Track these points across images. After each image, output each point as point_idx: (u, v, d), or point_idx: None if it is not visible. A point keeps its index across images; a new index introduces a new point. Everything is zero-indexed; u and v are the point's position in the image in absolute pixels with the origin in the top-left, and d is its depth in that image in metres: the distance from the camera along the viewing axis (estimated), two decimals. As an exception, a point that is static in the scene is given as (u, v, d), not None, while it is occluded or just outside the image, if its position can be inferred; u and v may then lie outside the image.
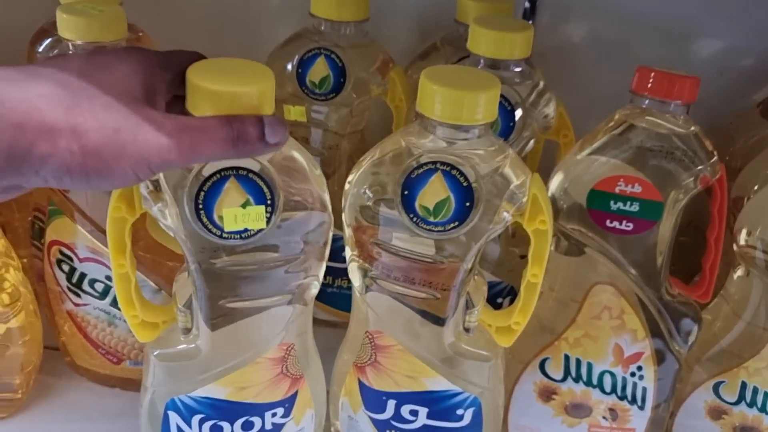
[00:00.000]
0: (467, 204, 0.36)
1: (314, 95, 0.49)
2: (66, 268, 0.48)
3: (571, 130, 0.49)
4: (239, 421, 0.42)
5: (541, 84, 0.47)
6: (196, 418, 0.41)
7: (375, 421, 0.45)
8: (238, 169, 0.34)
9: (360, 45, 0.49)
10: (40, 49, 0.49)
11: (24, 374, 0.49)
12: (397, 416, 0.44)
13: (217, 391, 0.40)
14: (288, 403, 0.43)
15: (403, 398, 0.43)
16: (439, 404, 0.43)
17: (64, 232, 0.47)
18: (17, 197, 0.54)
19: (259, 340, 0.40)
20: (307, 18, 0.50)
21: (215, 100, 0.32)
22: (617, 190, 0.41)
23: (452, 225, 0.36)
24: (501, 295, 0.52)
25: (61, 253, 0.48)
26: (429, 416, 0.43)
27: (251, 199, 0.34)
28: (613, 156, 0.42)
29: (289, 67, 0.49)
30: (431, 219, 0.36)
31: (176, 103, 0.33)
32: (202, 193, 0.34)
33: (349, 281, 0.57)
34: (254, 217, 0.35)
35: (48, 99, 0.26)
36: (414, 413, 0.43)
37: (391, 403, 0.43)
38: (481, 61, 0.45)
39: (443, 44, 0.53)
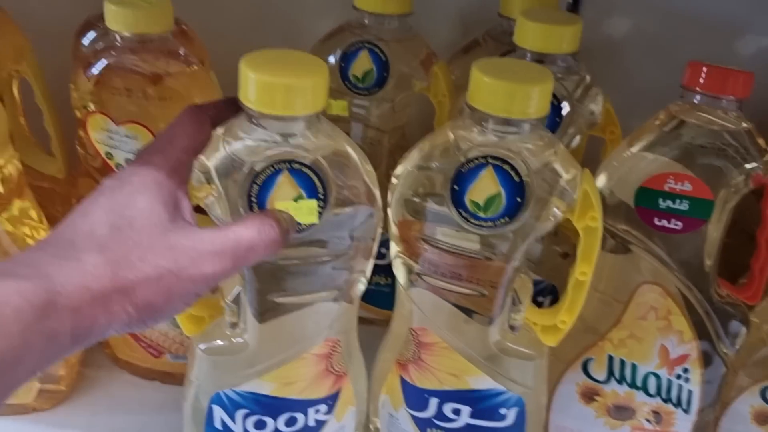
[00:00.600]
0: (518, 199, 0.35)
1: (356, 89, 0.49)
2: (109, 260, 0.48)
3: (617, 127, 0.48)
4: (283, 417, 0.42)
5: (588, 79, 0.46)
6: (240, 413, 0.41)
7: (416, 420, 0.44)
8: (291, 162, 0.34)
9: (403, 39, 0.49)
10: (85, 41, 0.49)
11: (68, 366, 0.50)
12: (440, 415, 0.43)
13: (263, 386, 0.40)
14: (331, 400, 0.43)
15: (445, 396, 0.42)
16: (482, 403, 0.42)
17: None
18: (61, 192, 0.55)
19: (306, 336, 0.39)
20: (348, 11, 0.50)
21: (270, 91, 0.32)
22: (666, 187, 0.41)
23: (502, 221, 0.36)
24: (542, 294, 0.51)
25: (105, 245, 0.48)
26: (472, 415, 0.43)
27: (303, 193, 0.34)
28: (662, 153, 0.41)
29: (332, 60, 0.49)
30: (481, 214, 0.36)
31: None
32: (255, 187, 0.34)
33: (387, 278, 0.58)
34: (306, 212, 0.35)
35: (92, 273, 0.27)
36: (457, 412, 0.43)
37: (434, 402, 0.43)
38: (528, 55, 0.44)
39: (485, 39, 0.52)
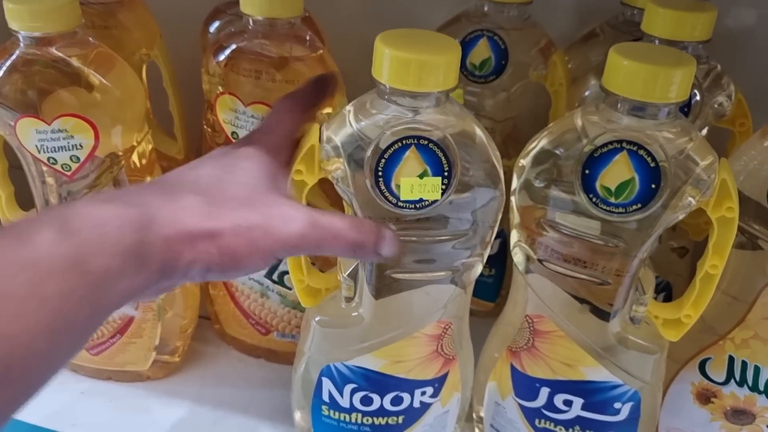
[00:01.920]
0: (652, 186, 0.34)
1: (473, 77, 0.49)
2: (226, 237, 0.50)
3: (748, 119, 0.46)
4: (389, 396, 0.42)
5: (719, 68, 0.44)
6: (348, 387, 0.42)
7: (525, 409, 0.44)
8: (419, 138, 0.34)
9: (523, 28, 0.48)
10: (213, 28, 0.52)
11: (183, 338, 0.52)
12: (550, 405, 0.43)
13: (373, 361, 0.41)
14: (438, 383, 0.43)
15: (558, 386, 0.42)
16: (595, 395, 0.41)
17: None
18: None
19: (419, 315, 0.40)
20: (461, 2, 0.50)
21: (404, 67, 0.33)
22: (803, 181, 0.39)
23: (634, 207, 0.35)
24: (656, 291, 0.49)
25: (223, 222, 0.50)
26: (584, 407, 0.42)
27: (429, 170, 0.35)
28: (798, 147, 0.40)
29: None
30: (612, 200, 0.35)
31: None
32: (383, 161, 0.34)
33: (491, 269, 0.57)
34: (430, 188, 0.35)
35: (188, 210, 0.29)
36: (568, 403, 0.42)
37: (545, 391, 0.42)
38: (656, 42, 0.43)
39: (604, 29, 0.51)
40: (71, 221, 0.26)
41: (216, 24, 0.51)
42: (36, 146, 0.41)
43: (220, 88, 0.45)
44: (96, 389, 0.52)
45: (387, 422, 0.43)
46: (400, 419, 0.43)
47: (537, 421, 0.43)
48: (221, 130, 0.46)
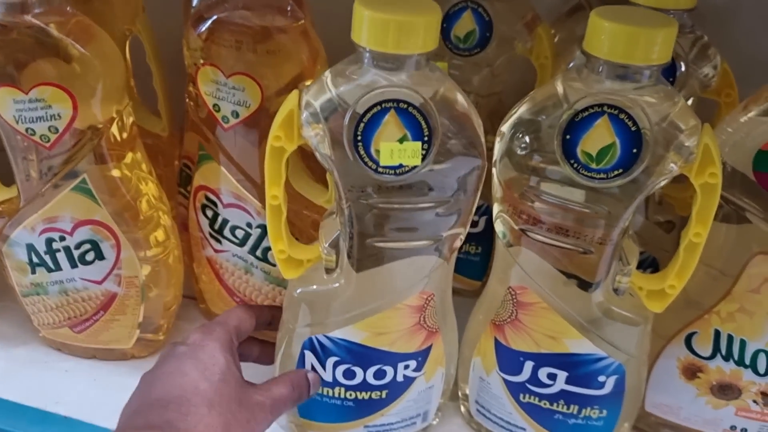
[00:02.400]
0: (634, 151, 0.34)
1: (458, 51, 0.48)
2: (210, 213, 0.50)
3: (734, 90, 0.46)
4: (372, 369, 0.42)
5: (705, 38, 0.44)
6: (330, 360, 0.41)
7: (509, 384, 0.43)
8: (398, 102, 0.34)
9: (507, 0, 0.48)
10: (195, 2, 0.51)
11: (167, 316, 0.51)
12: (534, 379, 0.42)
13: (355, 333, 0.40)
14: (421, 357, 0.42)
15: (541, 360, 0.41)
16: (580, 369, 0.41)
17: (211, 177, 0.48)
18: (163, 150, 0.57)
19: (401, 286, 0.39)
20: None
21: (382, 28, 0.33)
22: (789, 152, 0.38)
23: (615, 173, 0.35)
24: (643, 266, 0.49)
25: (207, 198, 0.49)
26: (568, 381, 0.41)
27: (409, 135, 0.34)
28: (785, 117, 0.39)
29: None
30: (593, 166, 0.35)
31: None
32: (362, 125, 0.34)
33: (477, 247, 0.57)
34: (410, 153, 0.35)
35: (209, 425, 0.36)
36: (552, 377, 0.42)
37: (529, 365, 0.42)
38: (643, 9, 0.43)
39: (590, 2, 0.51)
40: None
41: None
42: (14, 116, 0.41)
43: (201, 60, 0.44)
44: (80, 367, 0.52)
45: (371, 396, 0.43)
46: (384, 394, 0.43)
47: (521, 395, 0.43)
48: (203, 103, 0.46)
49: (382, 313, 0.40)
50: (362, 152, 0.34)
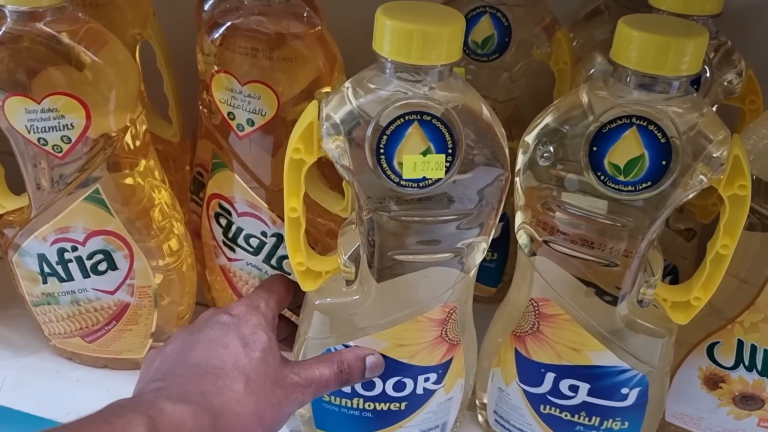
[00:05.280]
0: (663, 163, 0.33)
1: (476, 56, 0.48)
2: (223, 222, 0.49)
3: (759, 97, 0.45)
4: (392, 381, 0.41)
5: (729, 44, 0.43)
6: None
7: (529, 395, 0.43)
8: (422, 114, 0.33)
9: (526, 4, 0.47)
10: (207, 6, 0.50)
11: (179, 325, 0.51)
12: (555, 391, 0.42)
13: (375, 343, 0.40)
14: (442, 370, 0.42)
15: (563, 372, 0.41)
16: (602, 380, 0.40)
17: (225, 185, 0.48)
18: (174, 155, 0.56)
19: (423, 298, 0.39)
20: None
21: (406, 39, 0.32)
22: (815, 161, 0.38)
23: (644, 185, 0.34)
24: (662, 274, 0.49)
25: (220, 206, 0.48)
26: (590, 393, 0.41)
27: (432, 147, 0.33)
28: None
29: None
30: (621, 178, 0.34)
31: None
32: (384, 138, 0.33)
33: (493, 254, 0.56)
34: (433, 166, 0.34)
35: (241, 402, 0.35)
36: (574, 389, 0.41)
37: (550, 377, 0.41)
38: (671, 17, 0.42)
39: (608, 6, 0.50)
40: (158, 420, 0.32)
41: (211, 1, 0.50)
42: (26, 126, 0.40)
43: (215, 67, 0.43)
44: (91, 377, 0.51)
45: (389, 408, 0.42)
46: (403, 405, 0.42)
47: (542, 407, 0.43)
48: (217, 110, 0.45)
49: (403, 324, 0.39)
50: (385, 165, 0.34)
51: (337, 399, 0.42)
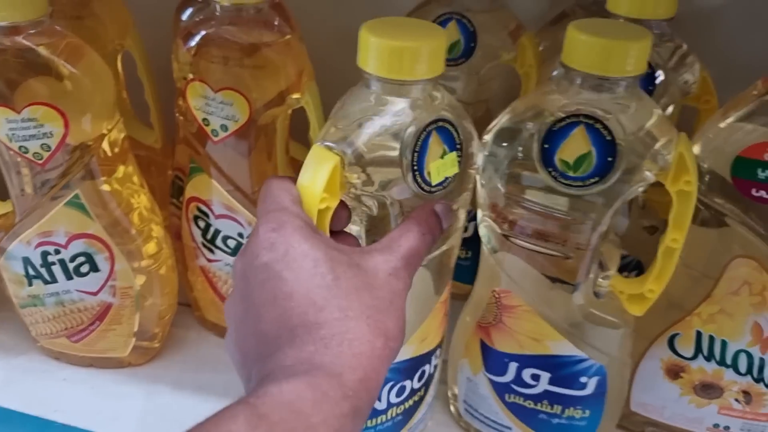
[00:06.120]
0: (609, 159, 0.35)
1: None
2: (202, 224, 0.51)
3: (714, 97, 0.47)
4: (416, 375, 0.42)
5: (684, 47, 0.45)
6: (385, 387, 0.41)
7: (495, 384, 0.44)
8: (437, 121, 0.34)
9: (491, 10, 0.49)
10: (185, 16, 0.52)
11: (161, 324, 0.52)
12: (518, 380, 0.43)
13: (405, 351, 0.40)
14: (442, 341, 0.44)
15: (525, 361, 0.42)
16: (562, 370, 0.42)
17: (203, 189, 0.49)
18: (156, 161, 0.58)
19: (436, 287, 0.40)
20: (437, -15, 0.50)
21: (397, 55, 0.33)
22: (766, 157, 0.39)
23: (592, 180, 0.36)
24: (627, 269, 0.50)
25: (198, 209, 0.50)
26: (551, 382, 0.42)
27: (446, 148, 0.35)
28: (761, 123, 0.40)
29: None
30: (571, 173, 0.36)
31: None
32: (416, 155, 0.34)
33: (467, 252, 0.58)
34: (450, 164, 0.36)
35: (360, 356, 0.28)
36: (536, 378, 0.43)
37: (513, 366, 0.43)
38: (621, 21, 0.44)
39: (574, 10, 0.52)
40: (260, 407, 0.26)
41: (188, 12, 0.52)
42: (7, 135, 0.42)
43: (190, 75, 0.45)
44: (78, 376, 0.53)
45: (414, 400, 0.43)
46: (423, 391, 0.44)
47: (507, 395, 0.44)
48: (193, 117, 0.46)
49: (426, 322, 0.40)
50: (419, 179, 0.35)
51: (373, 421, 0.42)
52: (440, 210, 0.35)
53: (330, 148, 0.33)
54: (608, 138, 0.35)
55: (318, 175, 0.32)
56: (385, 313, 0.29)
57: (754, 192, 0.40)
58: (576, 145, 0.35)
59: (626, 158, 0.35)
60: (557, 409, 0.43)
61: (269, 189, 0.33)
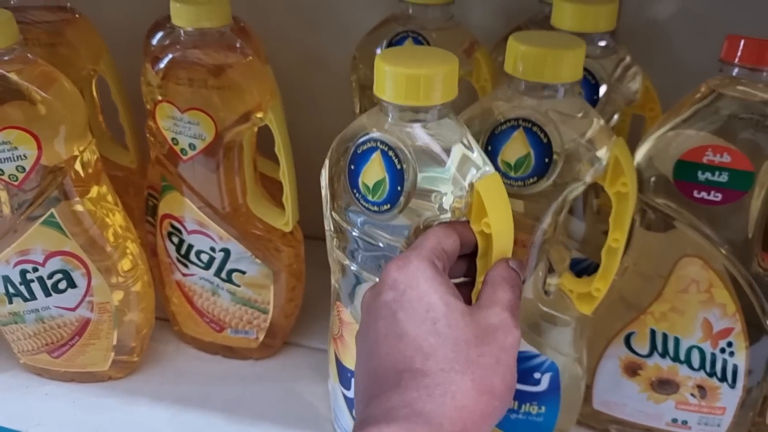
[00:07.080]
0: (546, 160, 0.37)
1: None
2: (176, 240, 0.52)
3: (657, 104, 0.49)
4: None
5: (628, 58, 0.47)
6: None
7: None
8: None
9: (446, 28, 0.51)
10: (155, 41, 0.54)
11: (139, 339, 0.54)
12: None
13: None
14: None
15: None
16: (517, 365, 0.43)
17: (175, 206, 0.51)
18: (133, 181, 0.60)
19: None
20: (395, 6, 0.52)
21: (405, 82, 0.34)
22: (705, 160, 0.41)
23: (531, 180, 0.38)
24: (587, 272, 0.52)
25: (172, 226, 0.52)
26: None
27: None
28: (700, 128, 0.42)
29: (378, 51, 0.51)
30: (512, 174, 0.38)
31: None
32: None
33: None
34: None
35: (462, 410, 0.29)
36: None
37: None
38: (561, 33, 0.46)
39: (528, 26, 0.54)
40: None
41: (158, 36, 0.54)
42: (-17, 159, 0.44)
43: (159, 97, 0.47)
44: (59, 390, 0.54)
45: None
46: None
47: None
48: (163, 138, 0.48)
49: None
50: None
51: None
52: (515, 264, 0.34)
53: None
54: (545, 141, 0.37)
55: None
56: (492, 369, 0.29)
57: (695, 194, 0.42)
58: (516, 148, 0.37)
59: (563, 160, 0.37)
60: (514, 404, 0.44)
61: (428, 231, 0.34)
